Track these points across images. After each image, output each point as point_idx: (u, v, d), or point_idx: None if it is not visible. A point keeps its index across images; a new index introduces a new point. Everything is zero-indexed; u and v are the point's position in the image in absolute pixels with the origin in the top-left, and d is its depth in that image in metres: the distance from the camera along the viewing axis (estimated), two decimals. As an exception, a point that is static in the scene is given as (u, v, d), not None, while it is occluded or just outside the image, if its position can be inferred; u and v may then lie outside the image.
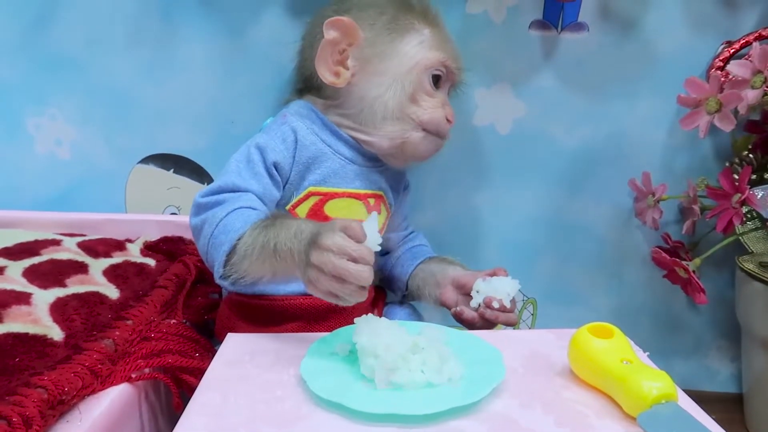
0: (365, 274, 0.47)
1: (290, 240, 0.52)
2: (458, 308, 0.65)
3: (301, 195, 0.66)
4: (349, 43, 0.65)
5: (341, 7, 0.69)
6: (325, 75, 0.66)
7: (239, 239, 0.55)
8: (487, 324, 0.63)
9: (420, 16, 0.68)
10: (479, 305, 0.63)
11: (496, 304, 0.62)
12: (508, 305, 0.62)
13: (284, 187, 0.65)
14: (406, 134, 0.66)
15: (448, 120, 0.68)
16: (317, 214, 0.66)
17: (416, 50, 0.66)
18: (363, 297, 0.48)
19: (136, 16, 0.83)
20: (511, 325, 0.64)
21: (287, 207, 0.66)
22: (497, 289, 0.63)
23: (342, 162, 0.67)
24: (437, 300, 0.70)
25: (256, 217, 0.57)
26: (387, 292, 0.80)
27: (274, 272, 0.55)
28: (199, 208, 0.61)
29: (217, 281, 0.58)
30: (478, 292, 0.64)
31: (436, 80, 0.68)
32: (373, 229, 0.49)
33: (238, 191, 0.61)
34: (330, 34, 0.65)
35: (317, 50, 0.65)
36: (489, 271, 0.66)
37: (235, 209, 0.58)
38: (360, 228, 0.48)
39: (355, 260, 0.47)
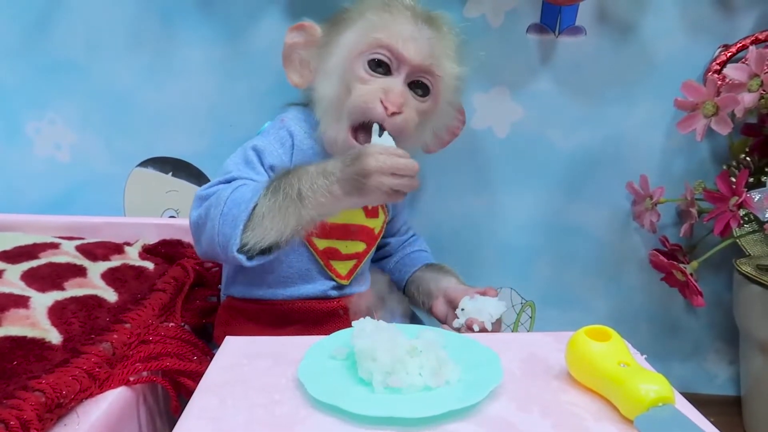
0: (414, 164, 0.56)
1: (317, 179, 0.55)
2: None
3: None
4: (309, 42, 0.66)
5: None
6: (291, 77, 0.68)
7: (255, 205, 0.55)
8: None
9: (380, 4, 0.63)
10: (461, 326, 0.62)
11: (476, 327, 0.61)
12: (489, 328, 0.61)
13: None
14: (339, 135, 0.62)
15: (385, 106, 0.59)
16: None
17: (352, 37, 0.63)
18: (418, 184, 0.57)
19: (136, 21, 0.83)
20: None
21: None
22: (481, 309, 0.62)
23: None
24: (429, 310, 0.70)
25: (263, 184, 0.57)
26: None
27: (298, 221, 0.55)
28: (201, 200, 0.60)
29: (233, 256, 0.56)
30: (463, 310, 0.63)
31: (380, 66, 0.61)
32: (389, 140, 0.59)
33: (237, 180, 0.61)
34: (288, 37, 0.67)
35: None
36: (480, 289, 0.65)
37: (239, 186, 0.58)
38: (383, 143, 0.58)
39: (401, 156, 0.55)
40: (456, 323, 0.63)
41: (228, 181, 0.60)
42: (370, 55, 0.61)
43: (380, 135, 0.60)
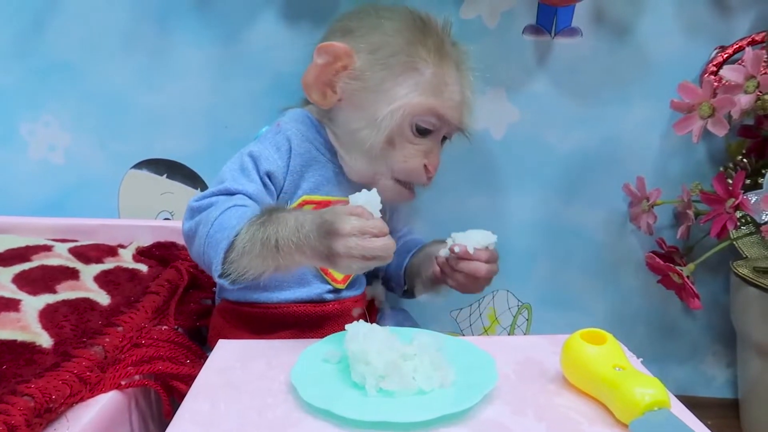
0: (390, 244, 0.51)
1: (293, 235, 0.53)
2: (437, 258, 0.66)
3: (295, 203, 0.65)
4: (343, 66, 0.63)
5: (347, 25, 0.66)
6: (311, 94, 0.65)
7: (236, 236, 0.55)
8: (462, 277, 0.63)
9: (431, 50, 0.63)
10: (447, 255, 0.64)
11: (457, 249, 0.62)
12: (471, 252, 0.62)
13: (278, 196, 0.65)
14: (376, 178, 0.65)
15: (428, 169, 0.65)
16: None
17: (406, 93, 0.62)
18: (390, 260, 0.52)
19: (131, 22, 0.83)
20: (479, 276, 0.63)
21: None
22: (470, 238, 0.63)
23: (336, 169, 0.67)
24: (432, 276, 0.69)
25: (251, 213, 0.57)
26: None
27: (276, 267, 0.55)
28: (193, 212, 0.60)
29: (217, 280, 0.56)
30: (452, 240, 0.64)
31: (423, 131, 0.64)
32: (371, 199, 0.53)
33: (231, 194, 0.60)
34: (321, 58, 0.63)
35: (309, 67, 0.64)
36: None
37: (229, 207, 0.58)
38: (363, 209, 0.52)
39: (376, 236, 0.50)
40: (442, 252, 0.65)
41: (221, 193, 0.60)
42: (421, 121, 0.63)
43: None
